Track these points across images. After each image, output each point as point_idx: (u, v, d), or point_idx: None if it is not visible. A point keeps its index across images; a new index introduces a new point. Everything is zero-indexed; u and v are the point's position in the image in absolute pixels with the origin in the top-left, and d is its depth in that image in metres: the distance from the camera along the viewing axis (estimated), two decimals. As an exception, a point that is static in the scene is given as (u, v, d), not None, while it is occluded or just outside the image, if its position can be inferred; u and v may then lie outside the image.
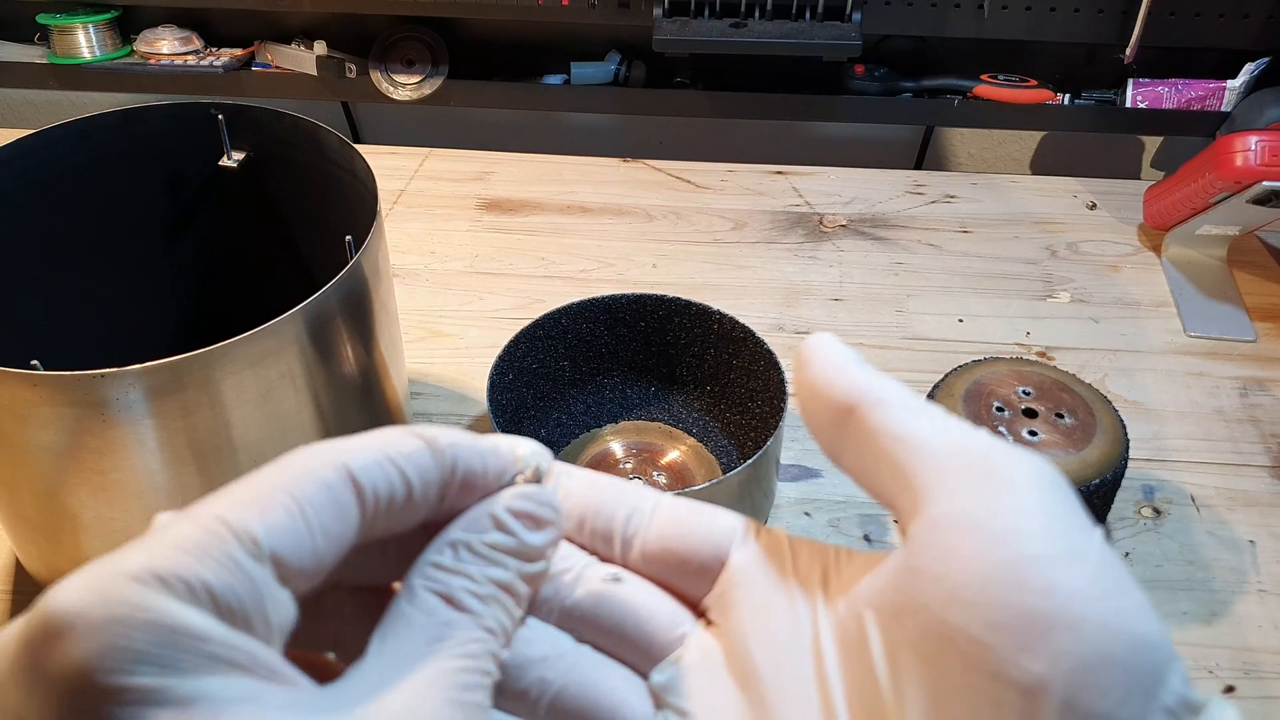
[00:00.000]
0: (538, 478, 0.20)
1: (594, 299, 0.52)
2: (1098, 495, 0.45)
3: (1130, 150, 0.87)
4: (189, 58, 0.81)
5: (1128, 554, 0.49)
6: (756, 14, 0.74)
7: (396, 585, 0.20)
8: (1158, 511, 0.51)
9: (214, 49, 0.83)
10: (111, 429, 0.36)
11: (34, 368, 0.35)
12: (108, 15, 0.80)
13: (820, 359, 0.20)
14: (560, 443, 0.54)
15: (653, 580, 0.22)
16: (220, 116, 0.49)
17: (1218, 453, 0.55)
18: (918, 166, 0.89)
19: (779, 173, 0.79)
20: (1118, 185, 0.77)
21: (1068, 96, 0.79)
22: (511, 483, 0.19)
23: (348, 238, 0.42)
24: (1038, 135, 0.88)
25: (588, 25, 0.78)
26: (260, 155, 0.51)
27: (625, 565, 0.22)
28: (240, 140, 0.50)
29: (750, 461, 0.43)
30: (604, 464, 0.53)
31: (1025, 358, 0.55)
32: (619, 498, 0.22)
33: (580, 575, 0.21)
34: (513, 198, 0.75)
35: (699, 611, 0.22)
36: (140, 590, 0.14)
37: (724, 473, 0.52)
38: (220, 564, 0.15)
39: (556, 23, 0.79)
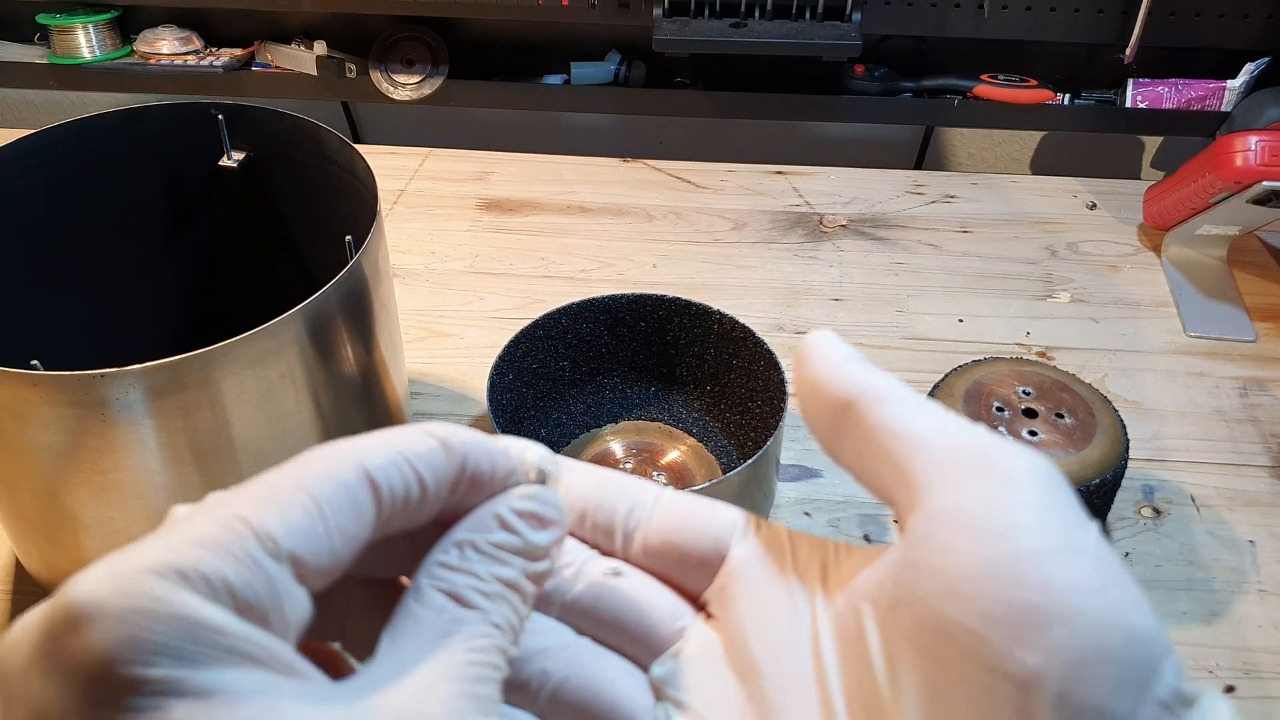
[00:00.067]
0: (542, 479, 0.20)
1: (594, 299, 0.52)
2: (1098, 495, 0.45)
3: (1130, 150, 0.87)
4: (189, 58, 0.81)
5: (1128, 554, 0.49)
6: (756, 14, 0.74)
7: (404, 580, 0.20)
8: (1158, 511, 0.51)
9: (214, 49, 0.83)
10: (111, 429, 0.36)
11: (34, 368, 0.35)
12: (108, 15, 0.80)
13: (819, 356, 0.20)
14: (560, 443, 0.54)
15: (653, 574, 0.22)
16: (220, 116, 0.49)
17: (1218, 453, 0.55)
18: (918, 166, 0.89)
19: (779, 173, 0.79)
20: (1118, 185, 0.77)
21: (1068, 96, 0.79)
22: (516, 485, 0.20)
23: (348, 238, 0.42)
24: (1038, 135, 0.88)
25: (588, 25, 0.78)
26: (260, 155, 0.51)
27: (626, 559, 0.22)
28: (240, 140, 0.50)
29: (750, 461, 0.43)
30: (604, 464, 0.53)
31: (1025, 358, 0.55)
32: (620, 492, 0.22)
33: (581, 569, 0.21)
34: (513, 198, 0.75)
35: (699, 605, 0.22)
36: (161, 584, 0.15)
37: (724, 473, 0.52)
38: (240, 562, 0.15)
39: (556, 23, 0.79)
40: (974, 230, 0.73)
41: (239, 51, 0.82)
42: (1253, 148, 0.59)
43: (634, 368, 0.55)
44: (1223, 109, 0.77)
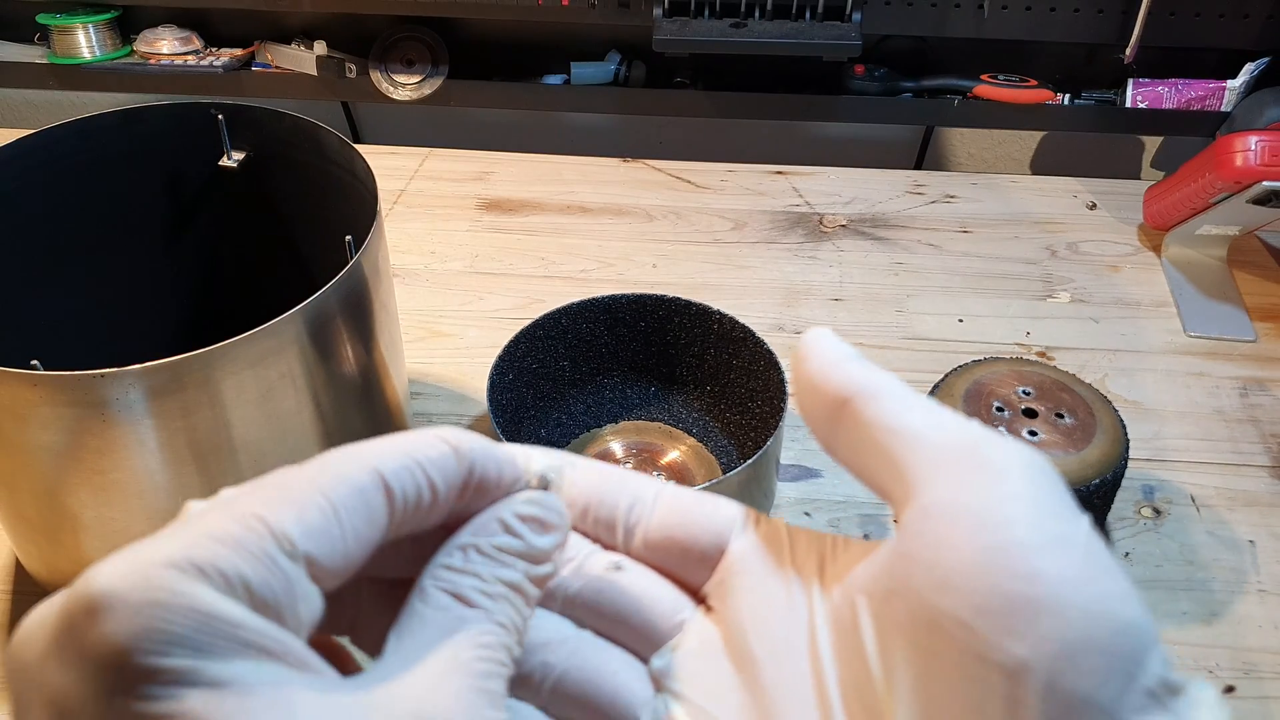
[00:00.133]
0: (545, 485, 0.20)
1: (594, 299, 0.52)
2: (1098, 495, 0.45)
3: (1130, 150, 0.87)
4: (189, 58, 0.81)
5: (1127, 554, 0.49)
6: (756, 14, 0.74)
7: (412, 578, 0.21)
8: (1158, 511, 0.51)
9: (214, 49, 0.83)
10: (111, 429, 0.36)
11: (34, 368, 0.35)
12: (108, 15, 0.80)
13: (816, 354, 0.21)
14: (560, 443, 0.54)
15: (654, 567, 0.22)
16: (220, 116, 0.49)
17: (1218, 453, 0.55)
18: (918, 166, 0.89)
19: (779, 173, 0.79)
20: (1118, 185, 0.77)
21: (1068, 96, 0.79)
22: (520, 490, 0.20)
23: (348, 238, 0.42)
24: (1038, 135, 0.88)
25: (588, 25, 0.78)
26: (260, 155, 0.51)
27: (628, 553, 0.22)
28: (240, 140, 0.50)
29: (750, 461, 0.43)
30: (604, 464, 0.53)
31: (1025, 358, 0.55)
32: (622, 487, 0.22)
33: (583, 563, 0.22)
34: (513, 198, 0.75)
35: (699, 598, 0.22)
36: (179, 577, 0.15)
37: (724, 473, 0.52)
38: (257, 560, 0.16)
39: (556, 23, 0.79)
40: (974, 230, 0.73)
41: (239, 51, 0.82)
42: (1253, 148, 0.59)
43: (634, 368, 0.55)
44: (1223, 109, 0.77)
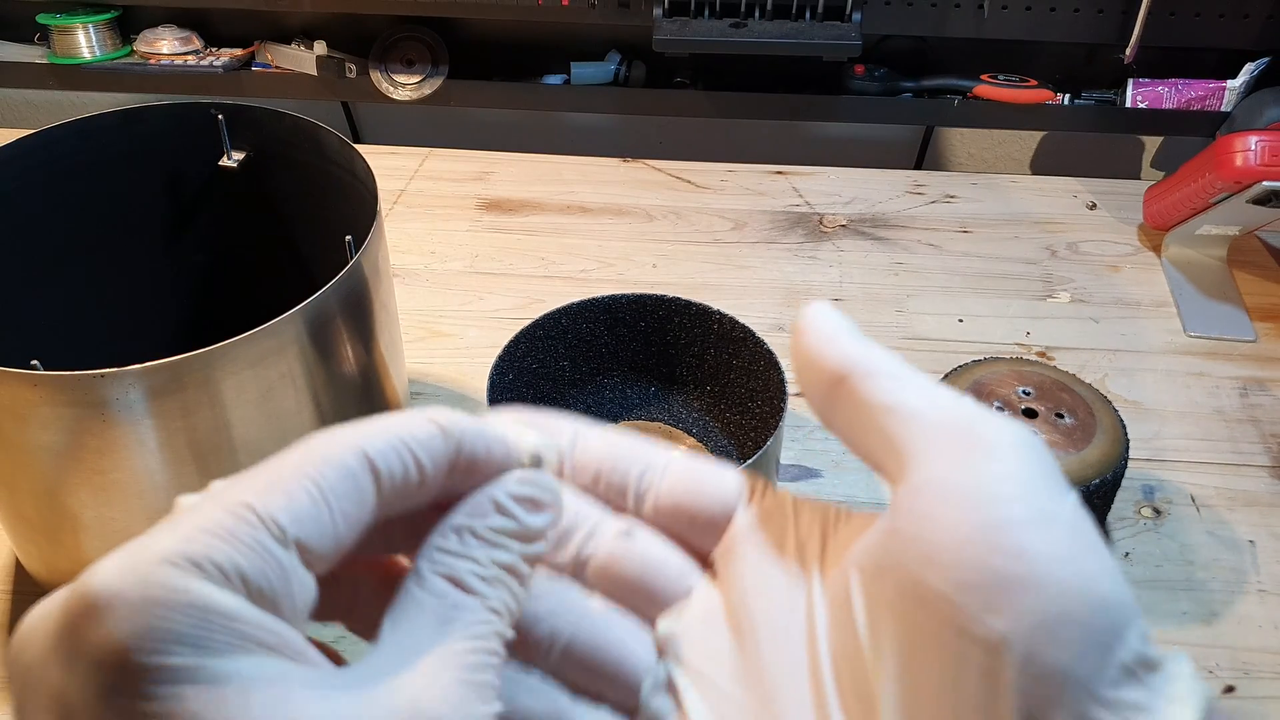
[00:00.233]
0: (537, 463, 0.20)
1: (594, 299, 0.52)
2: (1098, 495, 0.45)
3: (1130, 150, 0.87)
4: (189, 58, 0.81)
5: (1127, 554, 0.49)
6: (756, 14, 0.74)
7: (402, 559, 0.21)
8: (1158, 511, 0.51)
9: (214, 49, 0.83)
10: (111, 429, 0.36)
11: (34, 368, 0.35)
12: (108, 15, 0.80)
13: (814, 328, 0.21)
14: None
15: (664, 532, 0.22)
16: (220, 116, 0.49)
17: (1218, 453, 0.55)
18: (918, 166, 0.89)
19: (779, 173, 0.79)
20: (1118, 185, 0.77)
21: (1068, 96, 0.79)
22: (511, 469, 0.20)
23: (348, 238, 0.42)
24: (1038, 135, 0.88)
25: (588, 25, 0.78)
26: (260, 155, 0.51)
27: (638, 518, 0.22)
28: (240, 140, 0.50)
29: (750, 461, 0.43)
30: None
31: (1025, 358, 0.55)
32: (633, 454, 0.22)
33: (594, 530, 0.22)
34: (513, 198, 0.75)
35: (707, 564, 0.23)
36: (176, 573, 0.15)
37: (724, 473, 0.52)
38: (251, 549, 0.16)
39: (556, 23, 0.79)
40: (974, 230, 0.73)
41: (239, 51, 0.82)
42: (1253, 148, 0.59)
43: (634, 368, 0.55)
44: (1223, 109, 0.77)
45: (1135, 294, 0.67)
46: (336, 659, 0.19)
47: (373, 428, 0.18)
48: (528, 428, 0.21)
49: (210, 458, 0.39)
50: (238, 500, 0.16)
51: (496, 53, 0.83)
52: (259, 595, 0.16)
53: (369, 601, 0.20)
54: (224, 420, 0.38)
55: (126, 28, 0.82)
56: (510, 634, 0.18)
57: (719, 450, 0.53)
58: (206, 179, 0.51)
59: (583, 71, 0.82)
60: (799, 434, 0.55)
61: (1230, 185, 0.61)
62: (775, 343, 0.49)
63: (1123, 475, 0.46)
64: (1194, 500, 0.52)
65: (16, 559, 0.48)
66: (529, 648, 0.21)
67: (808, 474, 0.53)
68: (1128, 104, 0.78)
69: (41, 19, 0.79)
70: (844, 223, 0.73)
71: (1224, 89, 0.76)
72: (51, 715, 0.15)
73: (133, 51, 0.82)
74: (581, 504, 0.22)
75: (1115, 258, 0.70)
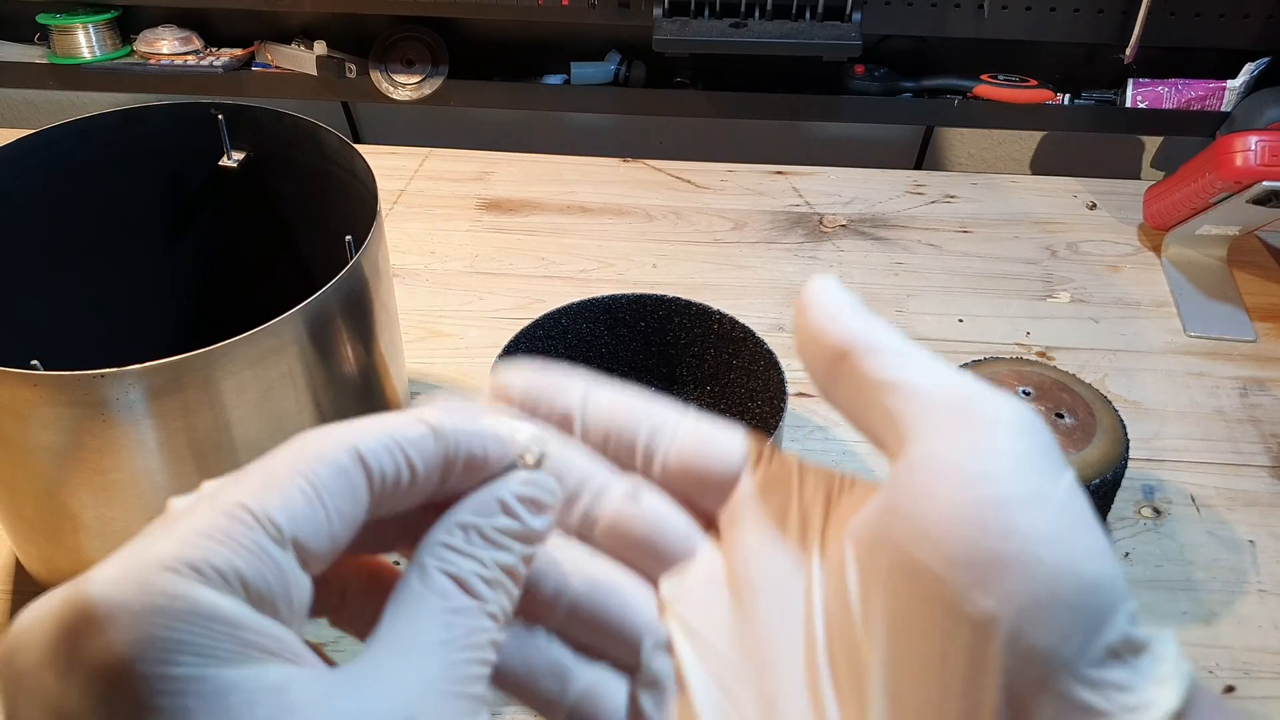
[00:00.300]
0: (538, 461, 0.21)
1: (594, 299, 0.52)
2: (1098, 495, 0.45)
3: (1130, 150, 0.87)
4: (189, 58, 0.81)
5: (1128, 554, 0.49)
6: (756, 14, 0.74)
7: (394, 559, 0.21)
8: (1158, 511, 0.51)
9: (214, 49, 0.83)
10: (111, 429, 0.36)
11: (34, 368, 0.35)
12: (107, 15, 0.80)
13: (817, 304, 0.21)
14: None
15: (672, 493, 0.23)
16: (220, 116, 0.49)
17: (1218, 453, 0.54)
18: (918, 166, 0.89)
19: (779, 173, 0.79)
20: (1118, 185, 0.77)
21: (1068, 96, 0.79)
22: (512, 465, 0.20)
23: (348, 238, 0.42)
24: (1038, 135, 0.88)
25: (588, 25, 0.78)
26: (260, 155, 0.51)
27: (646, 478, 0.23)
28: (240, 140, 0.50)
29: (750, 461, 0.42)
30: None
31: (1025, 358, 0.55)
32: (643, 414, 0.23)
33: (601, 491, 0.22)
34: (513, 198, 0.75)
35: (712, 525, 0.23)
36: (177, 580, 0.15)
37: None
38: (250, 551, 0.16)
39: (556, 23, 0.79)
40: (974, 230, 0.72)
41: (239, 51, 0.82)
42: (1253, 148, 0.59)
43: (634, 368, 0.55)
44: (1223, 109, 0.77)
45: (1135, 294, 0.67)
46: (327, 660, 0.19)
47: (364, 426, 0.18)
48: (520, 423, 0.21)
49: (210, 458, 0.39)
50: (233, 501, 0.16)
51: (496, 53, 0.83)
52: (258, 598, 0.16)
53: (357, 599, 0.20)
54: (224, 420, 0.38)
55: (126, 28, 0.82)
56: (502, 637, 0.18)
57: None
58: (206, 179, 0.51)
59: (583, 71, 0.82)
60: (799, 434, 0.55)
61: (1230, 185, 0.61)
62: (775, 343, 0.49)
63: (1123, 475, 0.46)
64: (1194, 500, 0.52)
65: (16, 559, 0.48)
66: (535, 604, 0.21)
67: (808, 474, 0.53)
68: (1128, 104, 0.78)
69: (41, 19, 0.79)
70: (844, 223, 0.73)
71: (1224, 89, 0.76)
72: None
73: (133, 51, 0.82)
74: (590, 464, 0.22)
75: (1115, 258, 0.70)
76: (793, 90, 0.80)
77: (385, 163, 0.79)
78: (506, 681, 0.20)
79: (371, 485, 0.18)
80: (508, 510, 0.19)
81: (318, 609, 0.20)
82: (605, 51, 0.82)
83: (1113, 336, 0.63)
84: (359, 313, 0.43)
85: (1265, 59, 0.75)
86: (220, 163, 0.50)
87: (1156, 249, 0.70)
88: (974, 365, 0.51)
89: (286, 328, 0.38)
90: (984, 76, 0.79)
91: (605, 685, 0.21)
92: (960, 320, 0.64)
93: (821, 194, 0.76)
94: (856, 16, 0.73)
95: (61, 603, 0.15)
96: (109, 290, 0.52)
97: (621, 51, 0.82)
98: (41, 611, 0.15)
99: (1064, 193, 0.77)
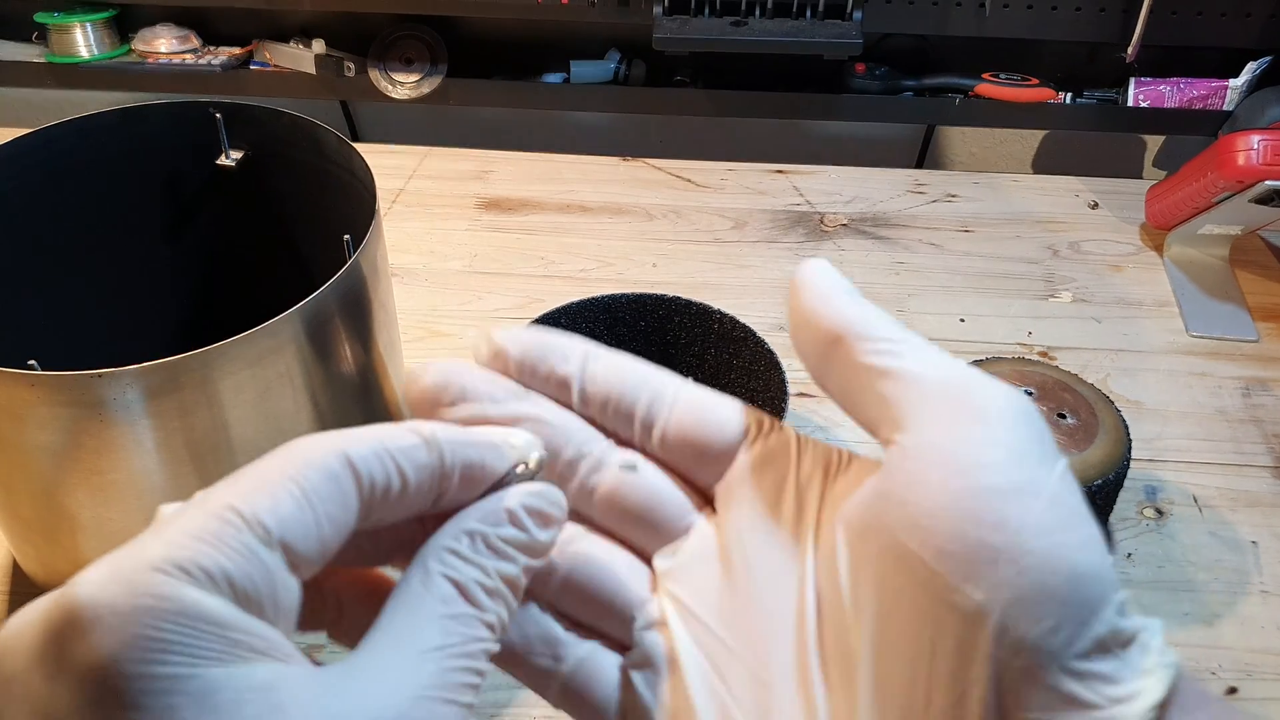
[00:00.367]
0: (540, 466, 0.20)
1: (594, 299, 0.52)
2: (1100, 496, 0.45)
3: (1132, 149, 0.87)
4: (187, 56, 0.81)
5: (1130, 555, 0.49)
6: (757, 12, 0.73)
7: (388, 571, 0.21)
8: (1160, 512, 0.51)
9: (212, 48, 0.82)
10: (109, 429, 0.36)
11: (31, 367, 0.35)
12: (105, 14, 0.80)
13: (811, 286, 0.21)
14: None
15: (669, 464, 0.23)
16: (218, 115, 0.49)
17: (1220, 453, 0.54)
18: (919, 165, 0.89)
19: (779, 171, 0.79)
20: (1120, 184, 0.77)
21: (1069, 95, 0.79)
22: (510, 473, 0.20)
23: (346, 237, 0.42)
24: (1039, 134, 0.88)
25: (587, 23, 0.78)
26: (259, 154, 0.50)
27: (644, 448, 0.23)
28: (238, 139, 0.50)
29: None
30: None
31: (1027, 358, 0.55)
32: (643, 382, 0.22)
33: (598, 462, 0.22)
34: (512, 197, 0.75)
35: (709, 497, 0.23)
36: (165, 580, 0.15)
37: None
38: (237, 552, 0.16)
39: (556, 21, 0.79)
40: (975, 229, 0.72)
41: (237, 50, 0.82)
42: (1255, 147, 0.59)
43: (634, 367, 0.55)
44: (1225, 108, 0.77)
45: (1137, 294, 0.66)
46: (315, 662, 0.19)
47: (355, 434, 0.18)
48: (514, 431, 0.21)
49: (208, 458, 0.39)
50: (222, 503, 0.16)
51: (496, 51, 0.83)
52: (245, 599, 0.16)
53: (355, 612, 0.20)
54: (222, 420, 0.38)
55: (124, 26, 0.82)
56: (497, 647, 0.18)
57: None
58: (204, 178, 0.51)
59: (582, 70, 0.81)
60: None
61: (1232, 184, 0.61)
62: (776, 343, 0.49)
63: (1125, 476, 0.46)
64: (1196, 501, 0.51)
65: (14, 560, 0.48)
66: (533, 576, 0.21)
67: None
68: (1129, 103, 0.77)
69: (39, 18, 0.79)
70: (845, 222, 0.73)
71: (1226, 88, 0.76)
72: None
73: (131, 50, 0.81)
74: (588, 433, 0.22)
75: (1117, 257, 0.70)
76: (793, 89, 0.80)
77: (384, 162, 0.78)
78: (500, 654, 0.20)
79: (361, 491, 0.18)
80: (515, 521, 0.19)
81: (316, 621, 0.20)
82: (605, 50, 0.82)
83: (1115, 336, 0.63)
84: (357, 312, 0.43)
85: (1267, 58, 0.75)
86: (218, 162, 0.50)
87: (1159, 248, 0.70)
88: (976, 365, 0.50)
89: (284, 327, 0.38)
90: (985, 75, 0.79)
91: (598, 660, 0.21)
92: (962, 320, 0.64)
93: (822, 193, 0.76)
94: (857, 15, 0.72)
95: (49, 606, 0.15)
96: (107, 290, 0.52)
97: (621, 50, 0.82)
98: (29, 616, 0.15)
99: (1066, 192, 0.76)
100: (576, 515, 0.22)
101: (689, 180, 0.77)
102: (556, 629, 0.21)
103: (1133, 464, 0.47)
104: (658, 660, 0.21)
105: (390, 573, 0.21)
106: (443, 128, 0.91)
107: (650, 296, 0.52)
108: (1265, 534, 0.50)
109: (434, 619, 0.18)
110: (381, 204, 0.49)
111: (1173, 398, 0.58)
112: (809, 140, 0.89)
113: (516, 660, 0.21)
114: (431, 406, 0.22)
